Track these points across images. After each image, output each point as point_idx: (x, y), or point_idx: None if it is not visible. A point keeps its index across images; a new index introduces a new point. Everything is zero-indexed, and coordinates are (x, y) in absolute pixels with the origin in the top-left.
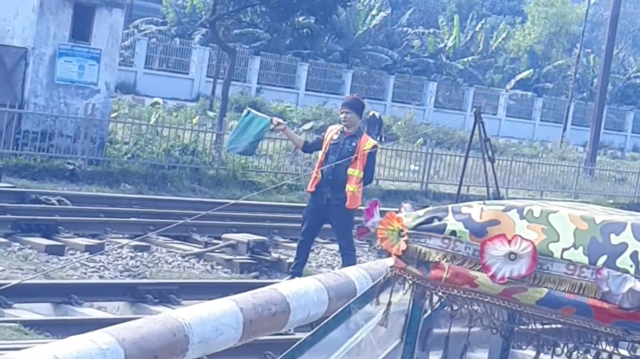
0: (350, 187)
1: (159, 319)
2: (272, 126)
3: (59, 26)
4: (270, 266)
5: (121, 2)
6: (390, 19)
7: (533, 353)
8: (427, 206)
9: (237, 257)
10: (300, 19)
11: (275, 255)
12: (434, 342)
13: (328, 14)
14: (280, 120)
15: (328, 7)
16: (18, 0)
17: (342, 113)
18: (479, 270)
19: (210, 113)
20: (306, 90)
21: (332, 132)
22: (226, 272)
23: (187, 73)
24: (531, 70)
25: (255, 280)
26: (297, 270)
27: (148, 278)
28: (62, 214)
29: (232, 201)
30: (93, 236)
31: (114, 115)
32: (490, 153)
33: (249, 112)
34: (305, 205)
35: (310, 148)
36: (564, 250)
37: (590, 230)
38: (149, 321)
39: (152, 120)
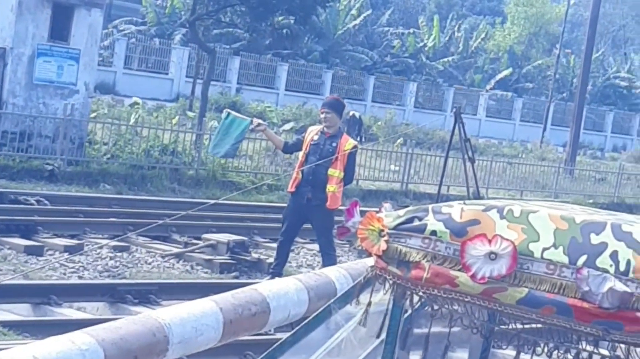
0: (330, 187)
1: (139, 320)
2: (252, 126)
3: (37, 26)
4: (250, 267)
5: (100, 2)
6: (370, 19)
7: (513, 353)
8: (407, 207)
9: (217, 257)
10: (280, 19)
11: (255, 255)
12: (414, 342)
13: (307, 15)
14: (261, 121)
15: (307, 8)
16: None
17: (322, 113)
18: (459, 270)
19: (190, 114)
20: (286, 90)
21: (313, 133)
22: (206, 272)
23: (167, 74)
24: (511, 70)
25: (235, 280)
26: (277, 270)
27: (128, 278)
28: (41, 214)
29: (212, 202)
30: (72, 237)
31: (93, 115)
32: (470, 153)
33: (228, 114)
34: (285, 205)
35: (290, 148)
36: (544, 249)
37: (570, 229)
38: (129, 321)
39: (132, 120)
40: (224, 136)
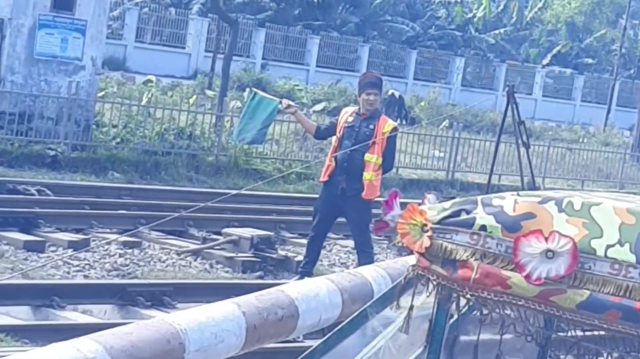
0: (367, 175)
1: (152, 325)
2: (281, 108)
3: None
4: (277, 265)
5: None
6: None
7: None
8: (453, 198)
9: (239, 255)
10: None
11: (282, 253)
12: (461, 350)
13: None
14: (291, 102)
15: None
16: None
17: (368, 95)
18: (512, 270)
19: (210, 93)
20: (317, 66)
21: (347, 114)
22: (227, 272)
23: (184, 48)
24: (570, 43)
25: (259, 281)
26: (306, 269)
27: (139, 278)
28: (42, 206)
29: (234, 192)
30: (77, 231)
31: (100, 94)
32: (524, 137)
33: (255, 94)
34: (316, 196)
35: (323, 133)
36: (608, 247)
37: (638, 224)
38: (140, 326)
39: (144, 100)
40: (250, 119)
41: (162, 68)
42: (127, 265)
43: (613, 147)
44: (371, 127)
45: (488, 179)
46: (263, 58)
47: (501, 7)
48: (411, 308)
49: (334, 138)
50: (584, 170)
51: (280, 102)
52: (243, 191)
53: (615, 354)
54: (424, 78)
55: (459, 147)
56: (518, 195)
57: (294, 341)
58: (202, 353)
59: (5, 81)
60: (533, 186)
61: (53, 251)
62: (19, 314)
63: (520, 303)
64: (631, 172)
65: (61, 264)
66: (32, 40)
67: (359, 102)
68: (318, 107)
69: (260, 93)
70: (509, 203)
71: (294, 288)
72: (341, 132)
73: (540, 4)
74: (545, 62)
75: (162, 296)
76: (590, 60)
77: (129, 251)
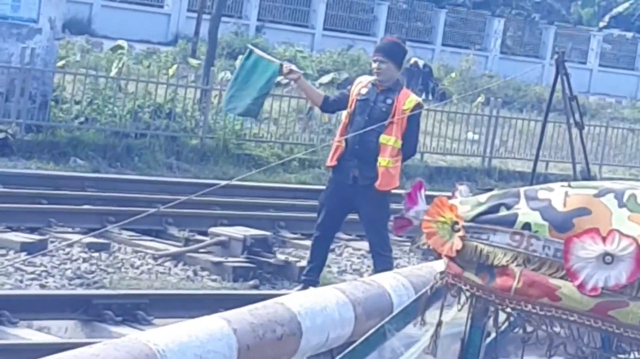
0: (382, 161)
1: (123, 345)
2: (282, 73)
3: None
4: (275, 272)
5: None
6: None
7: None
8: (491, 190)
9: (230, 259)
10: None
11: (281, 257)
12: None
13: None
14: (294, 67)
15: None
16: None
17: (374, 61)
18: (562, 278)
19: (193, 62)
20: (324, 29)
21: (361, 85)
22: (214, 280)
23: (162, 7)
24: (634, 1)
25: (254, 291)
26: (311, 276)
27: (107, 287)
28: None
29: (223, 183)
30: (32, 231)
31: (60, 63)
32: (577, 116)
33: (251, 52)
34: (322, 187)
35: (331, 106)
36: None
37: None
38: (109, 347)
39: (113, 71)
40: (244, 85)
41: (136, 32)
42: (92, 272)
43: None
44: (389, 101)
45: (533, 167)
46: (258, 19)
47: None
48: (439, 324)
49: (344, 114)
50: None
51: (282, 67)
52: (234, 182)
53: None
54: (454, 44)
55: (498, 128)
56: (569, 186)
57: None
58: None
59: None
60: (588, 176)
61: (2, 256)
62: None
63: (572, 318)
64: None
65: (12, 271)
66: None
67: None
68: (325, 79)
69: (258, 52)
70: (559, 196)
71: (296, 301)
72: (353, 106)
73: None
74: (602, 24)
75: (135, 310)
76: None
77: (95, 255)
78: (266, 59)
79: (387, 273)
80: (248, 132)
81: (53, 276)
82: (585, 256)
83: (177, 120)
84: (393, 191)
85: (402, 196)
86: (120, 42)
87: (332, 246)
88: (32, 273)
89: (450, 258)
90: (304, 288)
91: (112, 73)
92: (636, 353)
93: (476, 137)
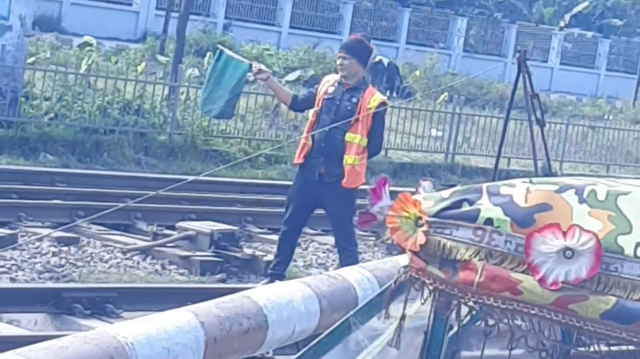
0: (348, 159)
1: (92, 338)
2: (251, 74)
3: None
4: (242, 266)
5: None
6: None
7: None
8: (453, 186)
9: (197, 253)
10: None
11: (248, 251)
12: None
13: None
14: (263, 66)
15: None
16: None
17: (338, 58)
18: (523, 272)
19: (162, 59)
20: (291, 27)
21: (328, 84)
22: (182, 274)
23: (130, 5)
24: (593, 1)
25: (221, 285)
26: (278, 270)
27: (76, 281)
28: None
29: (191, 178)
30: (2, 225)
31: (30, 60)
32: (538, 113)
33: (221, 53)
34: (289, 183)
35: (300, 105)
36: (638, 244)
37: None
38: (78, 339)
39: (83, 67)
40: (217, 86)
41: (105, 29)
42: (62, 266)
43: None
44: (354, 100)
45: (495, 163)
46: (226, 17)
47: None
48: (403, 317)
49: (311, 112)
50: (610, 152)
51: (251, 66)
52: (201, 178)
53: None
54: (418, 42)
55: (461, 125)
56: (531, 182)
57: (263, 357)
58: None
59: None
60: (549, 172)
61: None
62: None
63: (533, 311)
64: None
65: None
66: None
67: None
68: (292, 76)
69: (228, 52)
70: (520, 192)
71: (262, 294)
72: (320, 104)
73: None
74: (563, 23)
75: (104, 304)
76: (617, 21)
77: (65, 249)
78: (236, 59)
79: (352, 267)
80: (215, 128)
81: (23, 269)
82: (546, 251)
83: (145, 117)
84: (359, 187)
85: (367, 192)
86: (89, 39)
87: (298, 241)
88: (2, 266)
89: (414, 253)
90: (271, 281)
91: (82, 70)
92: (596, 346)
93: (439, 133)
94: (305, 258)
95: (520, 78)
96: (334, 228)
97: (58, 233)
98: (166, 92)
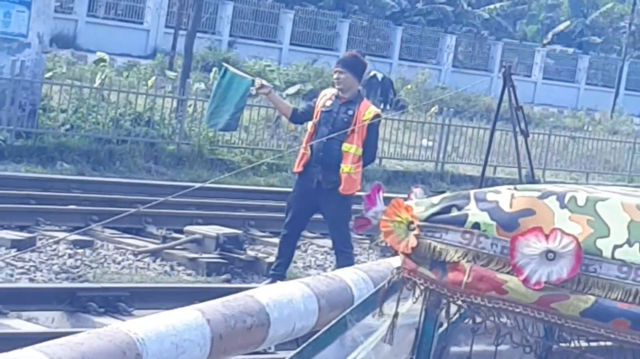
0: (345, 168)
1: (105, 334)
2: (254, 89)
3: None
4: (245, 267)
5: None
6: None
7: None
8: (443, 192)
9: (204, 255)
10: None
11: (251, 253)
12: None
13: None
14: (264, 82)
15: None
16: None
17: (335, 72)
18: (508, 273)
19: (170, 74)
20: (291, 44)
21: (325, 97)
22: (189, 274)
23: (141, 23)
24: (574, 20)
25: (226, 285)
26: (279, 271)
27: (91, 281)
28: None
29: (198, 185)
30: (21, 229)
31: (48, 75)
32: (522, 125)
33: (226, 71)
34: (289, 189)
35: (300, 117)
36: (615, 247)
37: None
38: (92, 336)
39: (97, 81)
40: (222, 101)
41: (117, 46)
42: (77, 267)
43: (621, 135)
44: (350, 112)
45: (482, 171)
46: (230, 35)
47: None
48: (396, 315)
49: (310, 124)
50: (589, 161)
51: (253, 82)
52: (208, 185)
53: None
54: (410, 58)
55: (450, 135)
56: (515, 189)
57: (265, 352)
58: None
59: None
60: (532, 180)
61: None
62: None
63: (517, 310)
64: None
65: (3, 266)
66: None
67: None
68: (292, 90)
69: (232, 69)
70: (505, 198)
71: (264, 293)
72: (318, 117)
73: None
74: (545, 40)
75: (116, 302)
76: (596, 39)
77: (80, 251)
78: (239, 75)
79: (349, 269)
80: (221, 138)
81: (41, 270)
82: (530, 253)
83: (155, 128)
84: (354, 193)
85: (362, 198)
86: (102, 55)
87: (298, 244)
88: (22, 267)
89: (406, 255)
90: (272, 281)
91: (96, 84)
92: (576, 342)
93: (430, 143)
94: (304, 260)
95: (506, 92)
96: (331, 231)
97: (74, 237)
98: (174, 104)
